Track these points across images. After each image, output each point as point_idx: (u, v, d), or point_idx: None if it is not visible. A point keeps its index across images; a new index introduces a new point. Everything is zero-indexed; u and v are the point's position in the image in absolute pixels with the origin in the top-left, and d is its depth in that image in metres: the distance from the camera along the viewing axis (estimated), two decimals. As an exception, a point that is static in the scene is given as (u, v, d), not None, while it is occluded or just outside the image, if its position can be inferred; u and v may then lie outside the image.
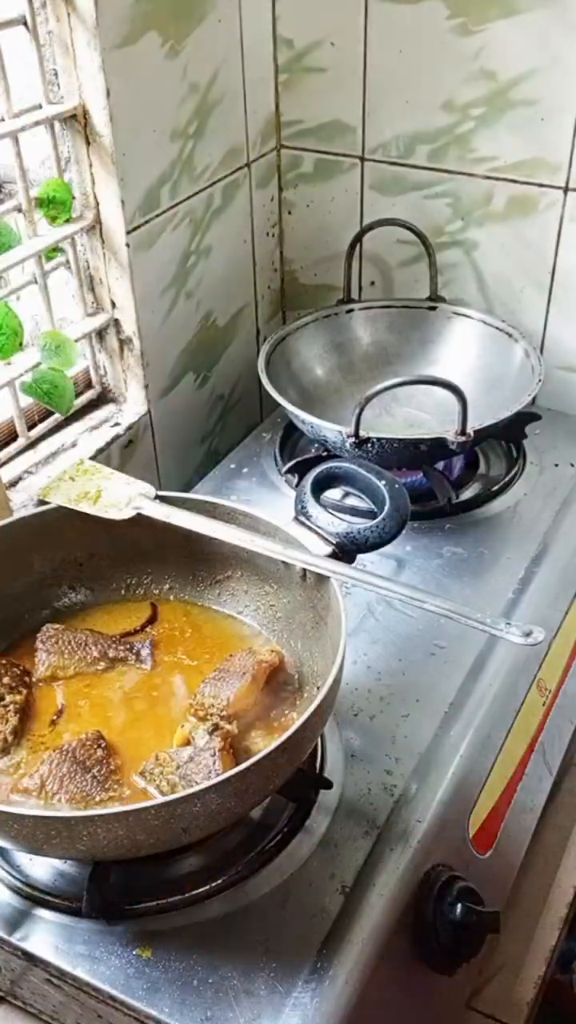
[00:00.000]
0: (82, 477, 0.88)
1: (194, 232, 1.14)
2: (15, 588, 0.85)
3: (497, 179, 1.16)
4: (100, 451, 1.09)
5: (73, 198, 1.01)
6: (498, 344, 1.17)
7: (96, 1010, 0.69)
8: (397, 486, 0.80)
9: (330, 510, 0.80)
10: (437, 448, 1.01)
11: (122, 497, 0.85)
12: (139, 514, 0.84)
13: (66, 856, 0.70)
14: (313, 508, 0.80)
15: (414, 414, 1.19)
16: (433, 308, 1.22)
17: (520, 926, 0.89)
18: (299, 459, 1.12)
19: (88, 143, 0.98)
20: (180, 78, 1.04)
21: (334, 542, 0.78)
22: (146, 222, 1.06)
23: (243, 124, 1.18)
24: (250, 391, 1.35)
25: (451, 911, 0.72)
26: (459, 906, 0.72)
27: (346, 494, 1.06)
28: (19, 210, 0.98)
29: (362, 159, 1.23)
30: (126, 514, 0.84)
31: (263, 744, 0.72)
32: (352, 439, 0.99)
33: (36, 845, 0.62)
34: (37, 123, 0.94)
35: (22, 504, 1.01)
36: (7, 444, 1.06)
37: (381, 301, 1.25)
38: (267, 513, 0.82)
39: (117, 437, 1.11)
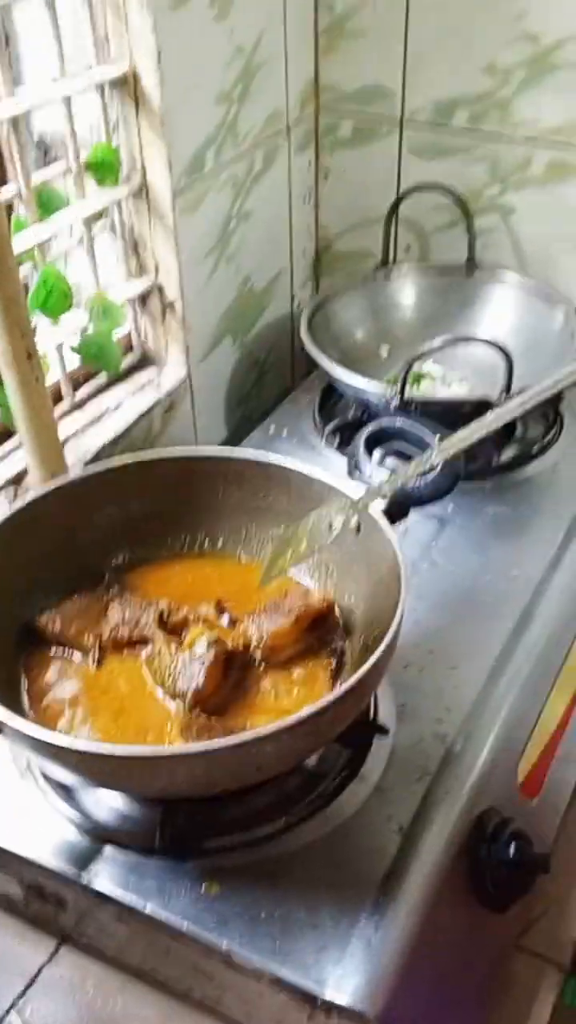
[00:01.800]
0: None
1: (235, 196, 1.15)
2: (76, 545, 0.86)
3: (537, 143, 1.17)
4: (143, 415, 1.11)
5: (120, 162, 1.02)
6: (537, 307, 1.18)
7: (165, 945, 0.72)
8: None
9: (382, 467, 0.82)
10: (480, 409, 1.02)
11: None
12: (193, 470, 0.86)
13: (144, 793, 0.73)
14: (366, 465, 0.82)
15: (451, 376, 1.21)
16: (471, 272, 1.23)
17: (565, 870, 0.91)
18: (343, 420, 1.14)
19: (137, 106, 0.99)
20: (227, 41, 1.05)
21: (389, 497, 0.80)
22: (191, 186, 1.07)
23: (283, 88, 1.18)
24: (283, 356, 1.36)
25: (504, 851, 0.75)
26: (512, 844, 0.74)
27: (383, 457, 1.07)
28: (69, 173, 0.99)
29: (401, 123, 1.23)
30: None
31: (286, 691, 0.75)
32: (397, 399, 1.01)
33: (115, 781, 0.65)
34: (88, 86, 0.95)
35: (71, 464, 1.02)
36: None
37: (419, 265, 1.26)
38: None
39: (158, 401, 1.13)
